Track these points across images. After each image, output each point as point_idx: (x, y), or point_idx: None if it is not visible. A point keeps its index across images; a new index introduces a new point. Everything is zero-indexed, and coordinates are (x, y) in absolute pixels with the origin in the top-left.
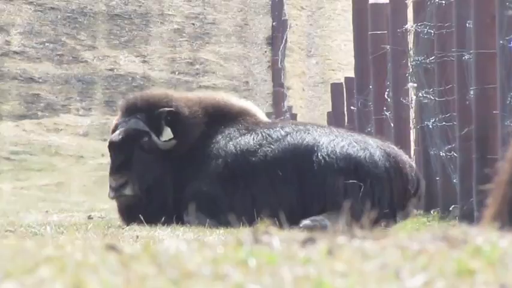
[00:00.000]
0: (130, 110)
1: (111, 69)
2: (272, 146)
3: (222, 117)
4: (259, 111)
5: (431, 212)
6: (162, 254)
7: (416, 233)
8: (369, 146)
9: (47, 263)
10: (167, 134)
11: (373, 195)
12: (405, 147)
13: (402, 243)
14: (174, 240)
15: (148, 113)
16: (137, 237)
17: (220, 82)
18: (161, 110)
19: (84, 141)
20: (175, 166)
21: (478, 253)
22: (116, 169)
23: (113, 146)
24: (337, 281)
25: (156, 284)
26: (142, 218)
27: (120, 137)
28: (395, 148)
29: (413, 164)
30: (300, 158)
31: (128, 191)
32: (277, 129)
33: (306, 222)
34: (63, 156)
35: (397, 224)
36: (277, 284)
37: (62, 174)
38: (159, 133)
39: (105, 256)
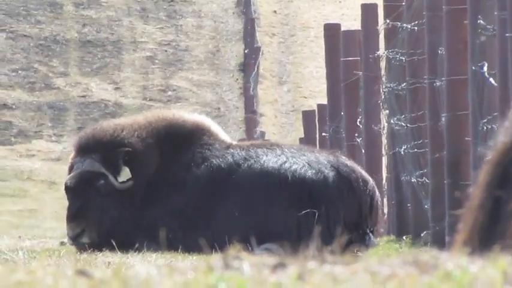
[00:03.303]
0: (84, 150)
1: (83, 96)
2: (225, 182)
3: (175, 138)
4: (213, 125)
5: (403, 237)
6: (133, 279)
7: (386, 258)
8: (322, 167)
9: None
10: (125, 173)
11: (328, 219)
12: (377, 173)
13: (373, 268)
14: (144, 265)
15: (103, 152)
16: (109, 263)
17: (193, 109)
18: (119, 150)
19: (56, 167)
20: (135, 204)
21: (448, 278)
22: (71, 217)
23: (68, 191)
24: None
25: None
26: (114, 244)
27: (75, 180)
28: (348, 163)
29: (368, 178)
30: (253, 191)
31: (85, 239)
32: (228, 158)
33: (258, 251)
34: (35, 182)
35: (365, 246)
36: None
37: (34, 200)
38: (116, 173)
39: (75, 281)
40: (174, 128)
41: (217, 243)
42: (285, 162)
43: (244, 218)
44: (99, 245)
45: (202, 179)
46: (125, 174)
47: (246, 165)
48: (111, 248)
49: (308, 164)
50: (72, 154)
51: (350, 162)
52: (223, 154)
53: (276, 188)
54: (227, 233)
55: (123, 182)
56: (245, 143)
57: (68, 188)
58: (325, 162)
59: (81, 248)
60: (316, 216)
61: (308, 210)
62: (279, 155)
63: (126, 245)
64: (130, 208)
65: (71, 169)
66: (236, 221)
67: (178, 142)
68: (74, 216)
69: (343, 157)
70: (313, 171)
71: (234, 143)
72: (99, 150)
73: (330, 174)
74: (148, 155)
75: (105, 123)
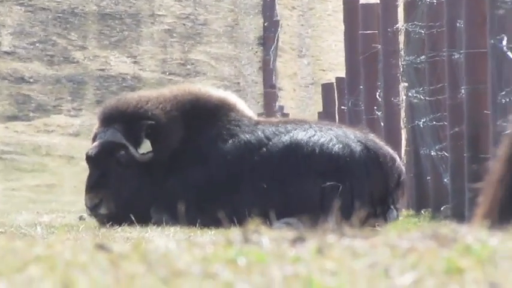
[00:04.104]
0: (108, 120)
1: (102, 70)
2: (254, 156)
3: (201, 113)
4: (238, 101)
5: (422, 211)
6: (152, 253)
7: (406, 232)
8: (350, 141)
9: (36, 263)
10: (146, 146)
11: (352, 193)
12: (396, 147)
13: (392, 241)
14: (163, 239)
15: (126, 123)
16: (128, 238)
17: (212, 83)
18: (142, 122)
19: (75, 142)
20: (155, 176)
21: (467, 251)
22: (90, 187)
23: (89, 160)
24: (327, 279)
25: (146, 283)
26: (133, 218)
27: (96, 150)
28: (377, 140)
29: (396, 156)
30: (282, 163)
31: (102, 210)
32: (258, 134)
33: (278, 224)
34: (54, 157)
35: (386, 220)
36: (266, 282)
37: (53, 175)
38: (137, 144)
39: (94, 255)
40: (199, 102)
41: (241, 217)
42: (314, 135)
43: (270, 190)
44: (117, 216)
45: (228, 154)
46: (146, 146)
47: (275, 139)
48: (130, 223)
49: (336, 137)
50: (97, 124)
51: (378, 140)
52: (253, 130)
53: (303, 161)
54: (253, 205)
55: (143, 154)
56: (274, 120)
57: (89, 158)
58: (353, 137)
59: (100, 219)
60: (339, 190)
61: (332, 183)
62: (307, 129)
63: (144, 217)
64: (150, 180)
65: (94, 139)
66: (262, 194)
67: (204, 117)
68: (93, 186)
69: (372, 134)
70: (341, 145)
71: (262, 119)
72: (122, 121)
73: (357, 148)
74: (172, 128)
75: (130, 94)
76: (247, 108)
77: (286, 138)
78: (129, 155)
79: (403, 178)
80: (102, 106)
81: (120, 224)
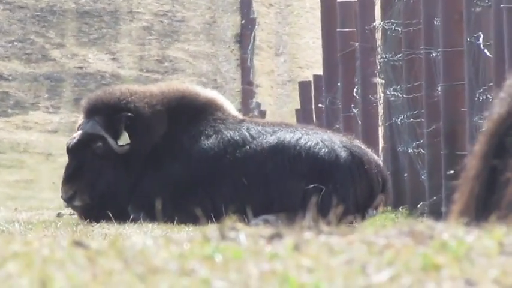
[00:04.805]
0: (90, 111)
1: (80, 67)
2: (237, 153)
3: (187, 110)
4: (226, 102)
5: (400, 208)
6: (129, 249)
7: (382, 229)
8: (335, 146)
9: (14, 259)
10: (124, 138)
11: (335, 198)
12: (373, 144)
13: (369, 238)
14: (140, 236)
15: (107, 115)
16: (106, 234)
17: (189, 80)
18: (121, 114)
19: (53, 139)
20: (133, 170)
21: (444, 248)
22: (66, 179)
23: (67, 152)
24: (304, 276)
25: (123, 279)
26: (110, 215)
27: (74, 141)
28: (362, 147)
29: (380, 163)
30: (266, 162)
31: (77, 203)
32: (243, 131)
33: (256, 221)
34: (32, 154)
35: (364, 218)
36: (243, 279)
37: (31, 172)
38: (117, 136)
39: (71, 252)
40: (186, 99)
41: (220, 213)
42: (300, 138)
43: (252, 188)
44: (92, 208)
45: (210, 150)
46: (124, 138)
47: (260, 137)
48: (108, 219)
49: (322, 141)
50: (81, 115)
51: (363, 146)
52: (238, 127)
53: (288, 162)
54: (233, 202)
55: (121, 146)
56: (260, 120)
57: (67, 149)
58: (338, 143)
59: (77, 210)
60: (321, 192)
61: (315, 185)
62: (294, 131)
63: (120, 209)
64: (127, 174)
65: (77, 131)
66: (244, 191)
67: (190, 114)
68: (68, 178)
69: (357, 140)
70: (326, 149)
71: (248, 118)
72: (103, 112)
73: (343, 153)
74: (154, 122)
75: (117, 87)
76: (234, 109)
77: (272, 138)
78: (107, 147)
79: (388, 184)
80: (87, 97)
81: (96, 216)
